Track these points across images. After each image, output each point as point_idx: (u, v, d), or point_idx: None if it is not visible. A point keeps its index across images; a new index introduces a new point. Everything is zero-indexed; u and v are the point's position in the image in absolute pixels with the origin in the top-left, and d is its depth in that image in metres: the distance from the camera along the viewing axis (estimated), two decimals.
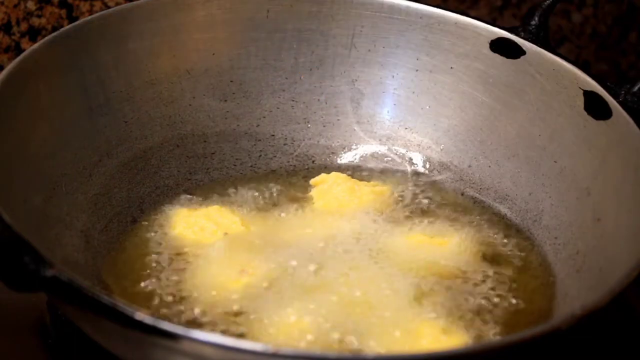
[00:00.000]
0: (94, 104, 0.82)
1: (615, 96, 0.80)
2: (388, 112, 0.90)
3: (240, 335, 0.70)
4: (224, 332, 0.70)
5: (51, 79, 0.79)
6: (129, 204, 0.82)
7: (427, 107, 0.90)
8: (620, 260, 0.70)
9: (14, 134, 0.74)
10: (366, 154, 0.90)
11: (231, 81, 0.88)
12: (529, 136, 0.85)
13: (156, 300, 0.73)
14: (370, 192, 0.85)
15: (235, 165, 0.88)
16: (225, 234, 0.79)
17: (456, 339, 0.71)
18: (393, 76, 0.90)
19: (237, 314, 0.72)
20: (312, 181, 0.86)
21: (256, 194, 0.84)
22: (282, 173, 0.88)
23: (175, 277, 0.75)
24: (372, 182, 0.86)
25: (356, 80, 0.90)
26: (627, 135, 0.78)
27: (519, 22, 0.88)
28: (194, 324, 0.71)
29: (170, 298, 0.74)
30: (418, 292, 0.75)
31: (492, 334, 0.73)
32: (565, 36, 1.12)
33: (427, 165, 0.89)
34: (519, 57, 0.86)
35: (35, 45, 0.79)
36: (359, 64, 0.90)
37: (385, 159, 0.90)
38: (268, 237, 0.79)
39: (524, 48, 0.86)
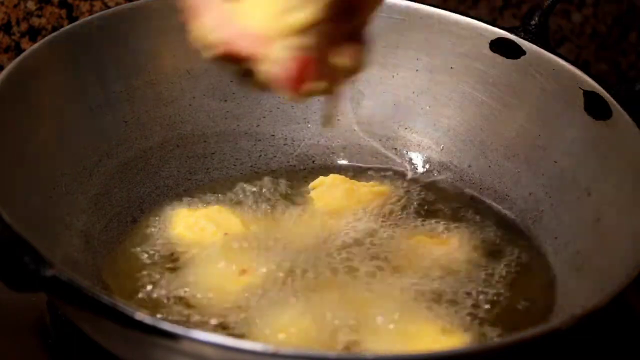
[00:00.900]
0: (94, 104, 0.82)
1: (615, 96, 0.80)
2: (388, 112, 0.90)
3: (240, 335, 0.70)
4: (224, 332, 0.70)
5: (51, 79, 0.79)
6: (129, 204, 0.82)
7: (427, 107, 0.90)
8: (620, 260, 0.70)
9: (14, 134, 0.74)
10: (366, 154, 0.90)
11: (231, 81, 0.88)
12: (529, 136, 0.85)
13: (156, 300, 0.73)
14: (369, 193, 0.84)
15: (235, 165, 0.88)
16: (225, 234, 0.79)
17: (456, 339, 0.71)
18: (393, 76, 0.90)
19: (237, 313, 0.72)
20: (311, 185, 0.86)
21: (256, 194, 0.84)
22: (282, 173, 0.88)
23: (175, 277, 0.75)
24: (371, 183, 0.86)
25: (356, 80, 0.90)
26: (627, 135, 0.78)
27: (519, 22, 0.88)
28: (194, 324, 0.71)
29: (170, 298, 0.74)
30: (417, 291, 0.75)
31: (492, 334, 0.73)
32: (565, 36, 1.12)
33: (427, 165, 0.89)
34: (519, 57, 0.86)
35: (35, 45, 0.79)
36: None
37: (385, 159, 0.90)
38: (268, 238, 0.79)
39: (524, 48, 0.86)
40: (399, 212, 0.83)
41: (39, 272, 0.61)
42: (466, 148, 0.88)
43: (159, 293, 0.74)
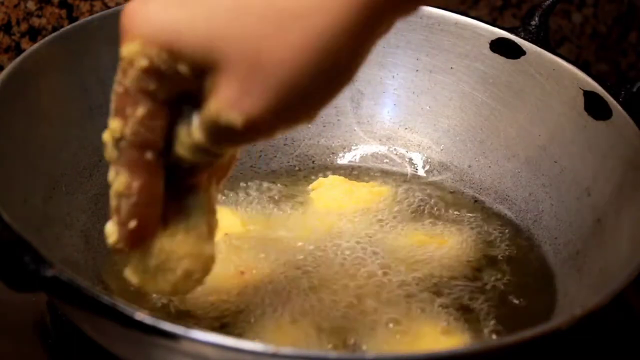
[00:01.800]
0: (94, 104, 0.82)
1: (615, 96, 0.80)
2: (388, 112, 0.90)
3: (240, 335, 0.70)
4: (224, 332, 0.70)
5: (51, 79, 0.79)
6: None
7: (427, 107, 0.89)
8: (620, 260, 0.70)
9: (14, 134, 0.74)
10: (366, 154, 0.90)
11: None
12: (529, 136, 0.85)
13: (156, 301, 0.73)
14: (368, 193, 0.84)
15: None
16: (225, 234, 0.79)
17: (456, 339, 0.71)
18: (393, 76, 0.90)
19: (237, 313, 0.72)
20: (311, 186, 0.85)
21: (256, 194, 0.84)
22: (282, 173, 0.88)
23: None
24: (370, 183, 0.86)
25: (356, 80, 0.89)
26: (627, 135, 0.78)
27: (519, 22, 0.88)
28: (194, 323, 0.71)
29: (170, 298, 0.73)
30: (418, 292, 0.75)
31: (492, 334, 0.73)
32: (565, 36, 1.12)
33: (427, 166, 0.89)
34: (519, 57, 0.86)
35: (35, 45, 0.79)
36: None
37: (385, 159, 0.90)
38: (268, 238, 0.79)
39: (524, 48, 0.86)
40: (399, 212, 0.83)
41: (39, 272, 0.61)
42: (466, 148, 0.88)
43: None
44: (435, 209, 0.85)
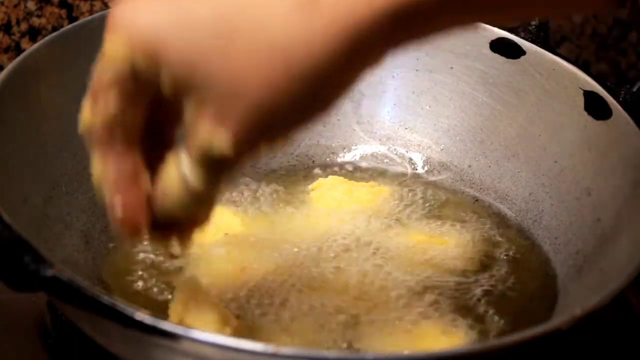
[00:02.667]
0: None
1: (615, 96, 0.80)
2: (388, 112, 0.90)
3: (240, 335, 0.70)
4: (224, 332, 0.70)
5: (51, 79, 0.79)
6: None
7: (427, 107, 0.89)
8: (620, 260, 0.70)
9: (14, 134, 0.74)
10: (366, 154, 0.90)
11: None
12: (529, 136, 0.85)
13: (156, 300, 0.73)
14: (368, 193, 0.84)
15: None
16: (226, 234, 0.79)
17: (456, 339, 0.71)
18: (393, 76, 0.90)
19: (237, 313, 0.72)
20: (310, 187, 0.85)
21: (256, 194, 0.84)
22: (282, 173, 0.88)
23: (175, 277, 0.75)
24: (370, 183, 0.86)
25: None
26: (627, 135, 0.78)
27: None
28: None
29: (170, 298, 0.74)
30: (418, 292, 0.75)
31: (492, 334, 0.73)
32: (565, 36, 1.12)
33: (427, 165, 0.89)
34: (519, 57, 0.86)
35: (35, 45, 0.79)
36: None
37: (385, 159, 0.90)
38: (268, 238, 0.79)
39: (524, 48, 0.86)
40: (399, 212, 0.83)
41: (39, 272, 0.61)
42: (466, 148, 0.88)
43: (159, 293, 0.74)
44: (435, 208, 0.84)
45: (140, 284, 0.75)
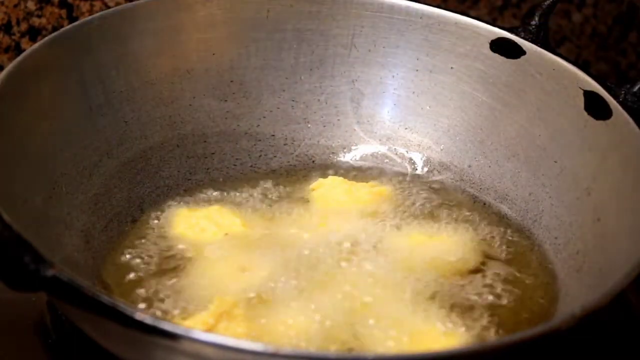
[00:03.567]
0: (94, 104, 0.82)
1: (615, 96, 0.80)
2: (388, 112, 0.90)
3: (239, 333, 0.70)
4: (224, 332, 0.70)
5: (51, 79, 0.79)
6: (129, 204, 0.82)
7: (427, 107, 0.90)
8: (620, 260, 0.70)
9: (14, 134, 0.74)
10: (366, 154, 0.90)
11: (231, 81, 0.88)
12: (529, 136, 0.85)
13: (156, 300, 0.73)
14: (368, 193, 0.85)
15: (235, 165, 0.88)
16: (226, 234, 0.79)
17: (456, 339, 0.71)
18: (393, 76, 0.90)
19: (237, 313, 0.72)
20: (310, 187, 0.86)
21: (256, 194, 0.84)
22: (282, 173, 0.88)
23: (175, 277, 0.75)
24: (370, 183, 0.86)
25: (356, 80, 0.90)
26: (627, 135, 0.78)
27: (519, 22, 0.88)
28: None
29: (170, 298, 0.74)
30: (418, 292, 0.75)
31: (492, 334, 0.73)
32: (565, 36, 1.12)
33: (427, 165, 0.89)
34: (519, 57, 0.86)
35: (35, 45, 0.79)
36: (359, 64, 0.90)
37: (385, 159, 0.90)
38: (268, 238, 0.79)
39: (524, 48, 0.86)
40: (399, 212, 0.83)
41: (39, 272, 0.61)
42: (466, 148, 0.88)
43: (159, 293, 0.74)
44: (435, 208, 0.85)
45: (140, 283, 0.75)
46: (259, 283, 0.74)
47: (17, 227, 0.64)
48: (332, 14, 0.89)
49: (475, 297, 0.76)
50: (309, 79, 0.90)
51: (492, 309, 0.75)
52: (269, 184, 0.85)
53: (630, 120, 0.78)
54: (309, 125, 0.90)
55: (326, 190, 0.85)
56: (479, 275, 0.78)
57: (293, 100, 0.90)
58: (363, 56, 0.90)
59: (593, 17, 1.12)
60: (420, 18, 0.88)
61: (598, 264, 0.74)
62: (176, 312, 0.72)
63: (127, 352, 0.66)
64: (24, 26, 0.98)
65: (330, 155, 0.90)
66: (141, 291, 0.74)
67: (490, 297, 0.76)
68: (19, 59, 0.77)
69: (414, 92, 0.90)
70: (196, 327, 0.69)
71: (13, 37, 0.98)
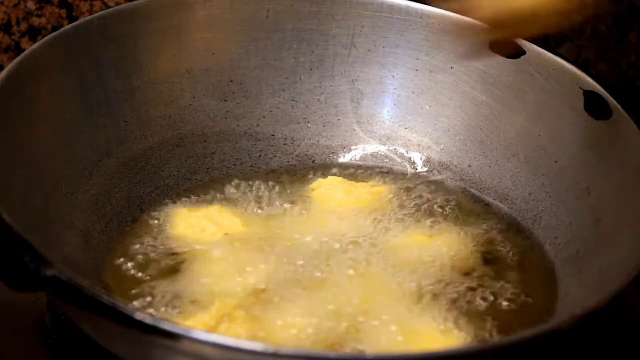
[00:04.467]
0: (94, 104, 0.82)
1: (615, 96, 0.80)
2: (388, 112, 0.90)
3: (240, 334, 0.70)
4: (224, 332, 0.70)
5: (51, 79, 0.79)
6: (129, 204, 0.82)
7: (427, 107, 0.89)
8: (620, 260, 0.70)
9: (14, 134, 0.74)
10: (366, 154, 0.90)
11: (231, 81, 0.88)
12: (529, 136, 0.85)
13: (156, 300, 0.73)
14: (368, 193, 0.85)
15: (235, 165, 0.88)
16: (226, 234, 0.79)
17: (456, 339, 0.71)
18: (393, 76, 0.90)
19: (237, 315, 0.72)
20: (310, 187, 0.86)
21: (257, 194, 0.84)
22: (282, 173, 0.88)
23: (175, 277, 0.75)
24: (370, 183, 0.86)
25: (356, 80, 0.90)
26: (627, 135, 0.78)
27: None
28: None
29: (170, 298, 0.74)
30: (418, 292, 0.75)
31: (492, 334, 0.73)
32: (565, 36, 1.12)
33: (427, 165, 0.89)
34: (519, 57, 0.86)
35: (35, 45, 0.79)
36: (359, 64, 0.90)
37: (385, 159, 0.90)
38: (268, 238, 0.79)
39: (524, 48, 0.86)
40: (399, 212, 0.83)
41: (39, 272, 0.61)
42: (466, 148, 0.88)
43: (159, 293, 0.74)
44: (435, 208, 0.84)
45: (140, 284, 0.75)
46: (259, 283, 0.74)
47: (17, 227, 0.64)
48: (332, 14, 0.89)
49: (474, 297, 0.76)
50: (309, 79, 0.90)
51: (492, 309, 0.75)
52: (269, 184, 0.85)
53: (630, 120, 0.78)
54: (309, 125, 0.90)
55: (326, 190, 0.85)
56: (478, 275, 0.78)
57: (293, 100, 0.90)
58: (363, 56, 0.90)
59: (593, 17, 1.12)
60: (420, 18, 0.88)
61: (598, 264, 0.74)
62: (176, 312, 0.72)
63: (127, 352, 0.66)
64: (24, 26, 0.98)
65: (330, 155, 0.90)
66: (141, 291, 0.74)
67: (490, 297, 0.76)
68: (19, 59, 0.77)
69: (414, 92, 0.90)
70: (197, 328, 0.69)
71: (13, 37, 0.98)
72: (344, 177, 0.87)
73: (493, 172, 0.87)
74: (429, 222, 0.83)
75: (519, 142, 0.86)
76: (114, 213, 0.80)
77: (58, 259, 0.64)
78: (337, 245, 0.79)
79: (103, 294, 0.61)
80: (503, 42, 0.68)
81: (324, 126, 0.90)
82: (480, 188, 0.87)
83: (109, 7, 0.98)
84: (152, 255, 0.78)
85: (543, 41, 0.86)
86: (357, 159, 0.90)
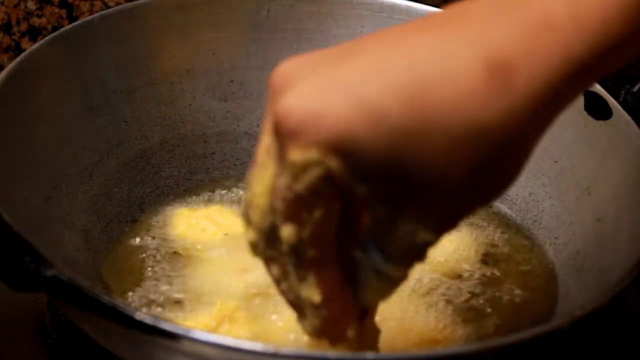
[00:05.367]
0: (94, 104, 0.82)
1: (615, 96, 0.80)
2: None
3: (241, 335, 0.70)
4: (224, 332, 0.70)
5: (51, 79, 0.79)
6: (129, 204, 0.82)
7: None
8: (620, 260, 0.70)
9: (14, 133, 0.74)
10: None
11: (231, 81, 0.88)
12: None
13: (156, 301, 0.73)
14: None
15: (235, 165, 0.88)
16: (226, 234, 0.79)
17: (456, 339, 0.71)
18: None
19: (238, 316, 0.72)
20: None
21: None
22: None
23: (175, 278, 0.75)
24: None
25: None
26: (627, 135, 0.78)
27: None
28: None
29: (170, 298, 0.74)
30: (417, 291, 0.75)
31: (492, 334, 0.73)
32: None
33: None
34: None
35: (35, 45, 0.79)
36: None
37: None
38: None
39: None
40: None
41: (39, 272, 0.61)
42: None
43: (159, 293, 0.74)
44: None
45: (140, 284, 0.75)
46: (259, 283, 0.74)
47: (17, 227, 0.64)
48: (332, 14, 0.89)
49: (475, 297, 0.76)
50: None
51: (491, 309, 0.75)
52: None
53: (630, 120, 0.78)
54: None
55: None
56: (478, 275, 0.78)
57: None
58: None
59: None
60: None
61: (598, 264, 0.74)
62: (176, 312, 0.72)
63: (127, 352, 0.66)
64: (24, 26, 0.98)
65: None
66: (141, 291, 0.74)
67: (490, 297, 0.76)
68: (19, 59, 0.77)
69: None
70: (197, 328, 0.69)
71: (13, 37, 0.98)
72: None
73: None
74: None
75: None
76: (114, 213, 0.80)
77: (58, 259, 0.64)
78: None
79: (103, 294, 0.61)
80: None
81: None
82: None
83: (109, 7, 0.98)
84: (152, 255, 0.78)
85: None
86: None
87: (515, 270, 0.79)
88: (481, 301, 0.75)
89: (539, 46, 0.52)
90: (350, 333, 0.60)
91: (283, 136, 0.53)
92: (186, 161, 0.86)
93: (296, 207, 0.54)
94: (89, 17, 0.83)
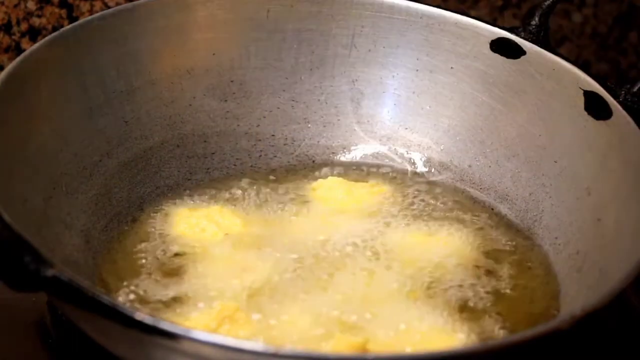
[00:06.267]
0: (94, 104, 0.82)
1: (615, 96, 0.80)
2: (388, 112, 0.90)
3: (241, 335, 0.70)
4: (225, 332, 0.70)
5: (51, 79, 0.79)
6: (129, 204, 0.82)
7: (427, 107, 0.89)
8: (620, 260, 0.70)
9: (14, 133, 0.74)
10: (366, 154, 0.90)
11: (231, 81, 0.88)
12: (529, 136, 0.85)
13: (156, 301, 0.73)
14: (368, 193, 0.85)
15: (235, 165, 0.88)
16: (226, 234, 0.79)
17: (456, 339, 0.71)
18: (393, 76, 0.90)
19: (238, 317, 0.72)
20: (310, 187, 0.86)
21: (256, 194, 0.84)
22: (282, 173, 0.88)
23: (175, 278, 0.75)
24: (370, 183, 0.86)
25: (356, 80, 0.90)
26: (627, 135, 0.78)
27: (519, 22, 0.89)
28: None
29: (170, 298, 0.74)
30: (418, 291, 0.75)
31: (492, 334, 0.73)
32: (565, 36, 1.12)
33: (427, 165, 0.89)
34: (519, 57, 0.86)
35: (35, 45, 0.79)
36: (359, 64, 0.90)
37: (386, 159, 0.90)
38: (268, 238, 0.79)
39: (524, 48, 0.86)
40: (399, 212, 0.83)
41: (39, 272, 0.61)
42: (466, 148, 0.88)
43: (159, 293, 0.74)
44: (435, 208, 0.84)
45: (140, 284, 0.75)
46: (259, 283, 0.74)
47: (17, 227, 0.64)
48: (332, 14, 0.89)
49: (474, 297, 0.76)
50: (309, 79, 0.90)
51: (492, 309, 0.75)
52: (269, 184, 0.85)
53: (630, 120, 0.78)
54: (309, 125, 0.90)
55: (326, 190, 0.85)
56: (478, 275, 0.78)
57: (293, 100, 0.90)
58: (363, 56, 0.90)
59: (593, 17, 1.12)
60: (421, 18, 0.88)
61: (598, 264, 0.74)
62: (176, 312, 0.72)
63: (127, 352, 0.66)
64: (24, 26, 0.98)
65: (331, 155, 0.90)
66: (141, 291, 0.74)
67: (490, 297, 0.76)
68: (19, 59, 0.77)
69: (414, 92, 0.90)
70: (197, 328, 0.69)
71: (13, 37, 0.98)
72: (344, 177, 0.87)
73: (493, 172, 0.87)
74: (428, 221, 0.83)
75: (519, 142, 0.86)
76: (114, 213, 0.80)
77: (58, 259, 0.64)
78: (338, 245, 0.79)
79: (103, 294, 0.61)
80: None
81: (324, 126, 0.90)
82: (480, 188, 0.87)
83: (109, 7, 0.98)
84: (152, 255, 0.78)
85: (543, 41, 0.86)
86: (357, 159, 0.90)
87: (515, 270, 0.79)
88: (481, 301, 0.75)
89: None
90: None
91: None
92: (186, 161, 0.86)
93: None
94: (89, 17, 0.83)
